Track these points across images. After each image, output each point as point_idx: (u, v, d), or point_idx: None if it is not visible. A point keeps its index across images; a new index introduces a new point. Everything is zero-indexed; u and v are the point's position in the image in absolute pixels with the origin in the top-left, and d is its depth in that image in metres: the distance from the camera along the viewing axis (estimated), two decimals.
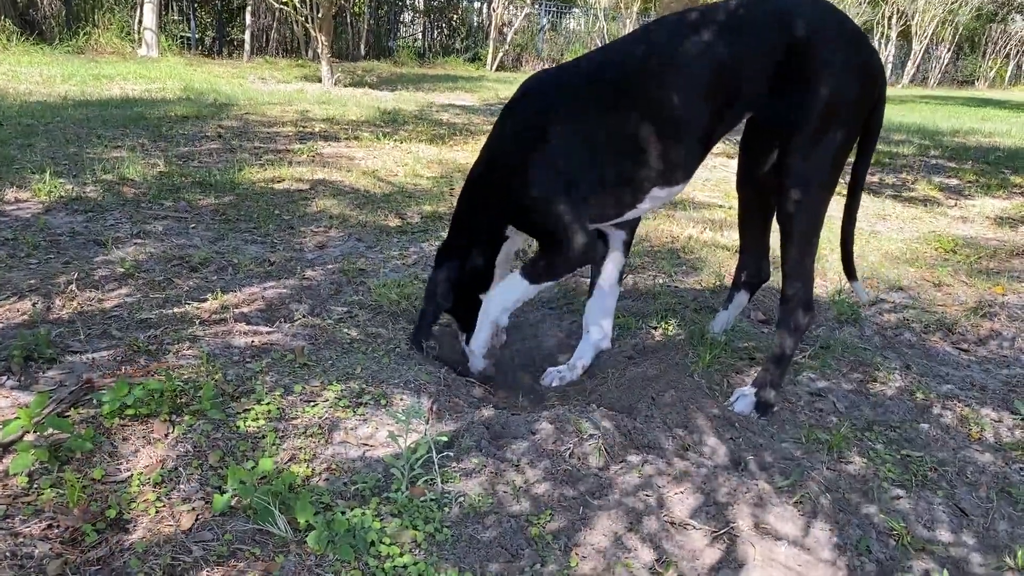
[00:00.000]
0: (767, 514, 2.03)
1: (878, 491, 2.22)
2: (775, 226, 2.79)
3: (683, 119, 2.48)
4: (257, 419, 2.28)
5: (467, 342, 2.96)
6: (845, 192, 2.73)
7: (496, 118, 2.78)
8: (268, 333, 2.90)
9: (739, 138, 2.78)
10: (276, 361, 2.64)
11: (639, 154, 2.50)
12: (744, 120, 2.59)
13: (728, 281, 3.92)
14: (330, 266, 3.77)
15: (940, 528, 2.10)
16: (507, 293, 2.76)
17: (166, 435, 2.18)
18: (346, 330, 2.96)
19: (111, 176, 5.09)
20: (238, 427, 2.23)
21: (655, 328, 3.27)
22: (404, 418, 2.05)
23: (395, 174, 5.96)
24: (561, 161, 2.52)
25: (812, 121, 2.39)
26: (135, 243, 3.87)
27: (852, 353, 3.15)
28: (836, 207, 2.75)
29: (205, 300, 3.19)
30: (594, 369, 2.94)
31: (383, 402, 2.43)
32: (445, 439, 2.20)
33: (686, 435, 2.39)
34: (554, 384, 2.89)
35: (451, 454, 2.19)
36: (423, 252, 4.13)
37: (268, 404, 2.35)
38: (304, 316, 3.11)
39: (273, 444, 2.18)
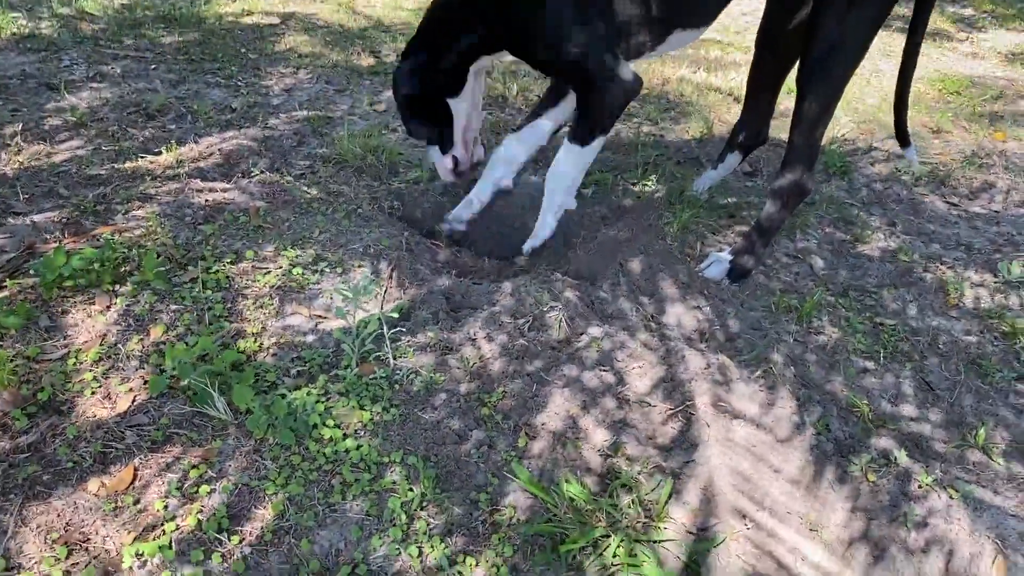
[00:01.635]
0: (728, 391, 1.96)
1: (845, 364, 2.14)
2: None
3: None
4: (205, 289, 2.17)
5: (443, 151, 2.65)
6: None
7: None
8: (224, 191, 2.74)
9: None
10: (229, 223, 2.51)
11: None
12: None
13: (717, 129, 3.72)
14: (295, 113, 3.55)
15: (904, 404, 2.04)
16: (564, 169, 2.50)
17: (108, 307, 2.08)
18: (305, 188, 2.80)
19: (68, 10, 4.74)
20: (183, 298, 2.13)
21: (633, 185, 3.10)
22: (352, 296, 1.93)
23: (373, 5, 5.56)
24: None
25: None
26: (91, 87, 3.63)
27: (837, 210, 3.00)
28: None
29: (160, 153, 3.01)
30: (566, 231, 2.78)
31: (339, 270, 2.31)
32: (396, 315, 2.10)
33: (653, 304, 2.29)
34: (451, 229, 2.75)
35: (405, 327, 2.10)
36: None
37: (217, 272, 2.23)
38: (263, 172, 2.94)
39: (220, 316, 2.08)
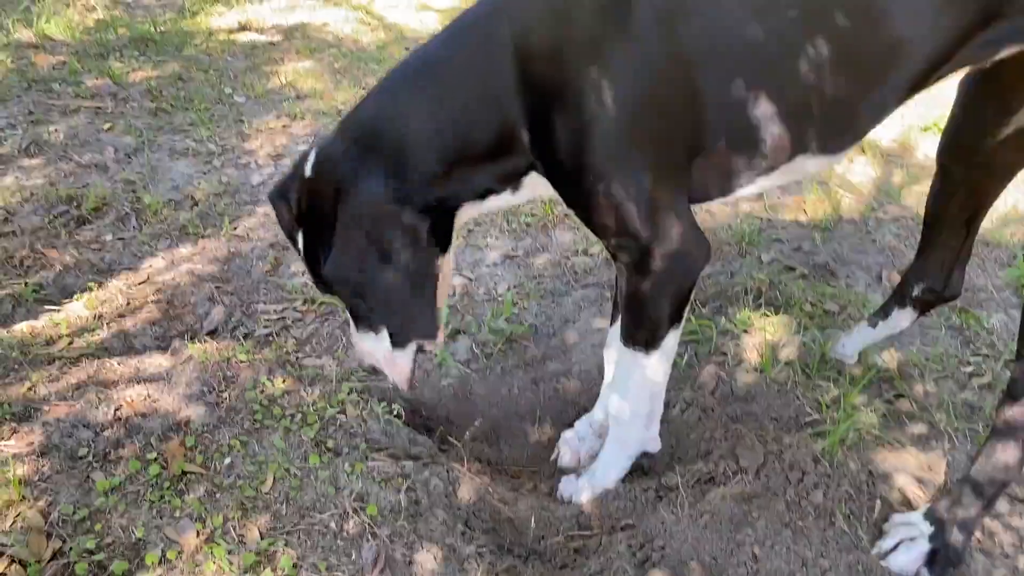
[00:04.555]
0: None
1: None
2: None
3: (894, 39, 1.18)
4: None
5: (429, 335, 1.44)
6: None
7: None
8: (149, 380, 1.78)
9: None
10: (134, 474, 1.54)
11: (797, 92, 1.20)
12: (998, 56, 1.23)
13: (847, 204, 2.61)
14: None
15: None
16: (629, 393, 1.50)
17: None
18: (265, 379, 1.81)
19: (29, 33, 3.75)
20: None
21: (745, 331, 2.03)
22: None
23: (395, 5, 4.46)
24: (656, 82, 1.19)
25: None
26: (19, 168, 2.67)
27: None
28: None
29: (74, 297, 2.06)
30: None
31: None
32: None
33: None
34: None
35: None
36: None
37: None
38: (213, 332, 1.97)
39: None
